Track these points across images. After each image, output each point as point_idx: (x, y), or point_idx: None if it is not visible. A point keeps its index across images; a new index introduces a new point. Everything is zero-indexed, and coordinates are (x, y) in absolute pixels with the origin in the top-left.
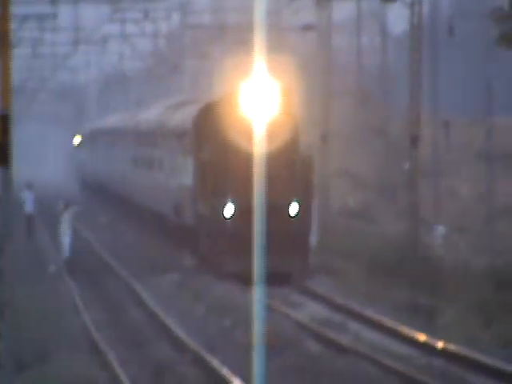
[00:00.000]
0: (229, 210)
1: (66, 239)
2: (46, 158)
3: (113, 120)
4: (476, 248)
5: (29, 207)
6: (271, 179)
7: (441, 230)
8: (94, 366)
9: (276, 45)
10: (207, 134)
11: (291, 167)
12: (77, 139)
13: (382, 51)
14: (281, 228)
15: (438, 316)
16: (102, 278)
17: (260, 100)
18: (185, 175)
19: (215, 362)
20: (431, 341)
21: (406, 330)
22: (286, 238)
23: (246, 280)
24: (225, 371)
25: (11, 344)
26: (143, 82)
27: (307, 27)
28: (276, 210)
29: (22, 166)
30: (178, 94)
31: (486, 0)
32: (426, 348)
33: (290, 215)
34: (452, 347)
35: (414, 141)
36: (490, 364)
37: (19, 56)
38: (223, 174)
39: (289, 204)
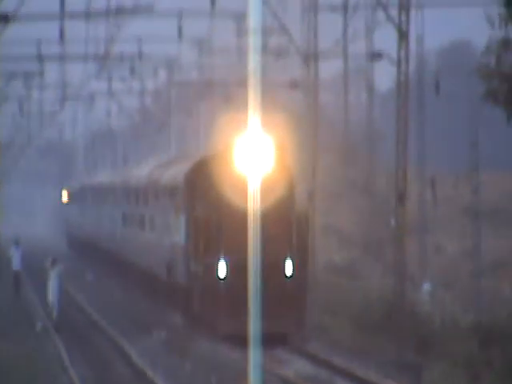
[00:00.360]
0: (222, 269)
1: (54, 298)
2: (34, 214)
3: (101, 176)
4: (462, 304)
5: (16, 264)
6: (266, 237)
7: (427, 286)
8: None
9: (265, 101)
10: (200, 191)
11: (287, 224)
12: (64, 195)
13: (369, 108)
14: (276, 287)
15: (426, 372)
16: (89, 335)
17: (254, 155)
18: (177, 233)
19: None
20: None
21: None
22: (282, 298)
23: (241, 341)
24: None
25: None
26: (130, 138)
27: (294, 84)
28: (271, 268)
29: (9, 223)
30: (165, 150)
31: (473, 56)
32: None
33: (285, 274)
34: None
35: (401, 198)
36: None
37: (6, 113)
38: (216, 232)
39: (285, 262)
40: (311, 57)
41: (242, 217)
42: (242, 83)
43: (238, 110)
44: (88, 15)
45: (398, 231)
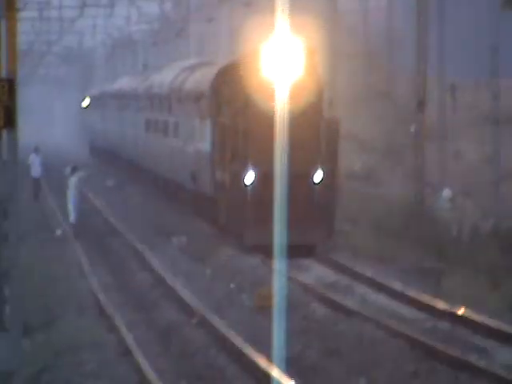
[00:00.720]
0: (250, 178)
1: (72, 205)
2: (54, 120)
3: (123, 82)
4: (482, 211)
5: (35, 171)
6: (295, 144)
7: (447, 192)
8: (101, 331)
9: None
10: (226, 97)
11: (316, 131)
12: (86, 101)
13: (389, 13)
14: (305, 197)
15: (445, 279)
16: (110, 241)
17: (282, 60)
18: (201, 141)
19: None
20: (438, 304)
21: (412, 292)
22: (311, 208)
23: (268, 252)
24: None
25: (17, 307)
26: (150, 45)
27: None
28: (300, 176)
29: (29, 130)
30: (186, 56)
31: None
32: (432, 310)
33: (314, 182)
34: (458, 310)
35: (421, 104)
36: (494, 327)
37: (26, 19)
38: (244, 139)
39: (313, 170)
40: None
41: (269, 123)
42: None
43: (259, 15)
44: None
45: (418, 138)
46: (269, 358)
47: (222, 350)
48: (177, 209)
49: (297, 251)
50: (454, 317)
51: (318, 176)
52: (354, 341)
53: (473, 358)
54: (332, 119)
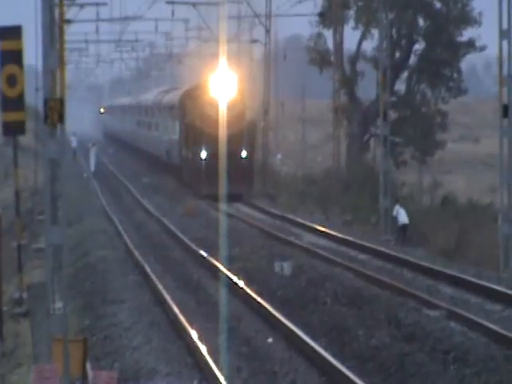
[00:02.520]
0: (203, 154)
1: (92, 162)
2: (83, 120)
3: (122, 100)
4: (296, 165)
5: (73, 144)
6: (229, 135)
7: (279, 156)
8: (106, 223)
9: (233, 53)
10: (189, 107)
11: (242, 127)
12: (101, 109)
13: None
14: (236, 166)
15: (278, 198)
16: (112, 180)
17: (222, 85)
18: (173, 132)
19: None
20: (274, 211)
21: (262, 205)
22: (239, 172)
23: (215, 198)
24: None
25: (64, 211)
26: (135, 81)
27: (254, 40)
28: (232, 154)
29: (70, 124)
30: (160, 86)
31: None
32: (272, 214)
33: (241, 157)
34: (284, 214)
35: (266, 112)
36: (303, 223)
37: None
38: (199, 132)
39: (240, 150)
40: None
41: (215, 123)
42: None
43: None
44: None
45: (264, 129)
46: (186, 237)
47: (167, 234)
48: (153, 170)
49: (231, 198)
50: (282, 217)
51: (243, 154)
52: (234, 230)
53: (292, 239)
54: (252, 120)
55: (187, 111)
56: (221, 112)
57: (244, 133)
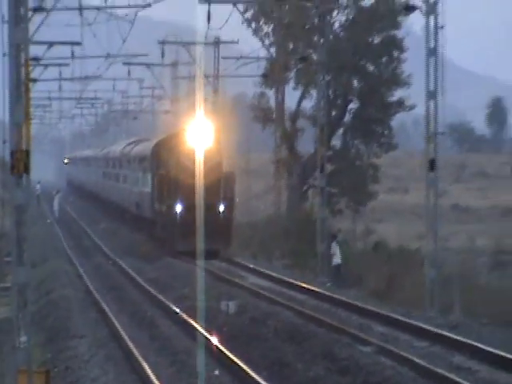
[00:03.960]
0: (179, 207)
1: (56, 208)
2: (47, 170)
3: (86, 151)
4: (242, 214)
5: (38, 191)
6: (206, 187)
7: None
8: (68, 264)
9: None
10: (162, 158)
11: (218, 180)
12: (65, 160)
13: None
14: (213, 220)
15: None
16: (74, 226)
17: (198, 135)
18: (144, 185)
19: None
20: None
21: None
22: (217, 227)
23: (191, 255)
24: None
25: (28, 254)
26: (94, 135)
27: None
28: (209, 207)
29: (35, 174)
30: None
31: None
32: (220, 257)
33: (218, 211)
34: (230, 258)
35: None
36: (246, 265)
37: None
38: (175, 184)
39: (218, 203)
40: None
41: (191, 174)
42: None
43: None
44: None
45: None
46: (141, 278)
47: (123, 275)
48: (118, 219)
49: (208, 255)
50: (229, 260)
51: (220, 208)
52: (185, 272)
53: (237, 280)
54: (230, 172)
55: (161, 162)
56: (197, 162)
57: (221, 185)
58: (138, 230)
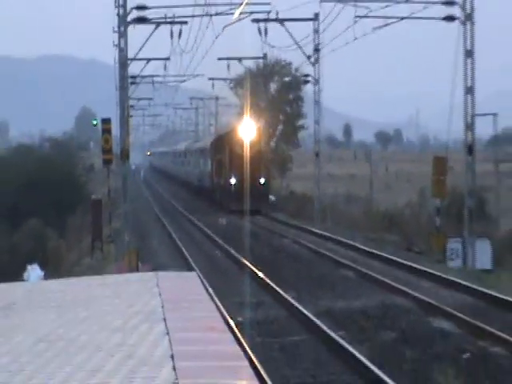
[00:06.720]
0: (232, 180)
1: (141, 175)
2: (137, 158)
3: (162, 148)
4: None
5: (133, 168)
6: (251, 167)
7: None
8: (147, 203)
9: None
10: (219, 148)
11: (260, 161)
12: (148, 153)
13: None
14: (256, 189)
15: None
16: (152, 186)
17: (245, 131)
18: (205, 166)
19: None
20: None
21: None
22: (259, 194)
23: (241, 214)
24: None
25: (128, 196)
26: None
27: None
28: (254, 181)
29: (131, 160)
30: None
31: None
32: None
33: (260, 183)
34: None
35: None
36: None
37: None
38: (229, 165)
39: (259, 178)
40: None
41: (241, 158)
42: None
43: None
44: None
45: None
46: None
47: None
48: (186, 191)
49: (252, 212)
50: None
51: (261, 181)
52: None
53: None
54: (268, 158)
55: (218, 151)
56: (245, 150)
57: (261, 165)
58: (196, 194)
